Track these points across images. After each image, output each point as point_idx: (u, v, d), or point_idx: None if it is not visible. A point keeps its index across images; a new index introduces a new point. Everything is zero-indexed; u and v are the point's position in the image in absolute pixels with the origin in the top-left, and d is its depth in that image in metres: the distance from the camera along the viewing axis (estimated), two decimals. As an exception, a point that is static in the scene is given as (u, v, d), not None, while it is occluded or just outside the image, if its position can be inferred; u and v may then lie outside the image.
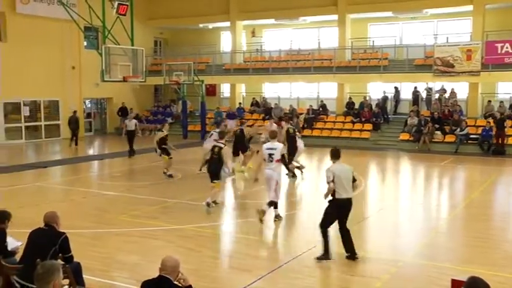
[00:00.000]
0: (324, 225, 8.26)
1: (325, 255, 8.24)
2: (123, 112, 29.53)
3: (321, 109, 27.65)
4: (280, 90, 30.63)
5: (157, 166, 17.52)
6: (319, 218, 8.41)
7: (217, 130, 14.99)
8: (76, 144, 24.28)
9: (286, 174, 15.30)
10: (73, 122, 24.67)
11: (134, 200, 13.05)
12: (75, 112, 25.53)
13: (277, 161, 10.66)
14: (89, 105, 31.66)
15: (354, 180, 8.26)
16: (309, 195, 14.50)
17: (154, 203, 12.68)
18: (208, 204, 11.40)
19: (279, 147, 10.79)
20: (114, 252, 8.77)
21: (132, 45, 19.30)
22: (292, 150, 15.03)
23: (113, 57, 17.85)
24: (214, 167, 11.67)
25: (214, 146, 11.87)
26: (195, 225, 10.43)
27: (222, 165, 11.63)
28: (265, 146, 10.90)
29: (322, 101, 28.21)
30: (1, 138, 25.62)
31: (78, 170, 18.43)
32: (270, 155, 10.64)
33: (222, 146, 11.69)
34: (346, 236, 8.27)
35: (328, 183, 8.11)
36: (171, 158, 15.88)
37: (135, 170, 18.12)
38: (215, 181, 11.66)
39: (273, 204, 10.63)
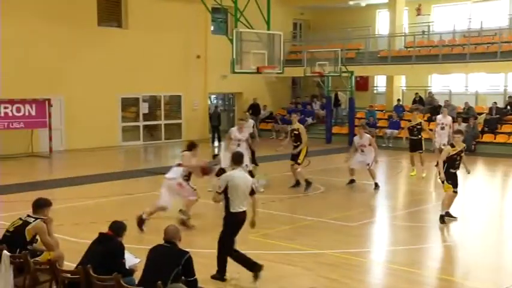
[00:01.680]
0: (230, 250, 8.73)
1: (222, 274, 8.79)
2: (255, 110, 30.36)
3: (508, 107, 26.34)
4: (452, 84, 29.63)
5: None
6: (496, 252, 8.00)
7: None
8: (219, 141, 26.34)
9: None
10: (215, 118, 25.78)
11: (267, 216, 13.33)
12: (216, 107, 26.66)
13: None
14: (214, 101, 33.06)
15: (253, 193, 8.76)
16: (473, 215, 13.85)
17: (290, 221, 12.94)
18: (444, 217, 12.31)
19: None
20: (242, 277, 9.07)
21: (268, 29, 19.71)
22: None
23: (245, 44, 18.18)
24: None
25: None
26: (339, 251, 10.44)
27: None
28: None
29: (510, 97, 26.82)
30: (117, 139, 27.27)
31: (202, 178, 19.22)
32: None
33: None
34: (238, 255, 8.75)
35: (216, 192, 8.62)
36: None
37: (269, 181, 18.50)
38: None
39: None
